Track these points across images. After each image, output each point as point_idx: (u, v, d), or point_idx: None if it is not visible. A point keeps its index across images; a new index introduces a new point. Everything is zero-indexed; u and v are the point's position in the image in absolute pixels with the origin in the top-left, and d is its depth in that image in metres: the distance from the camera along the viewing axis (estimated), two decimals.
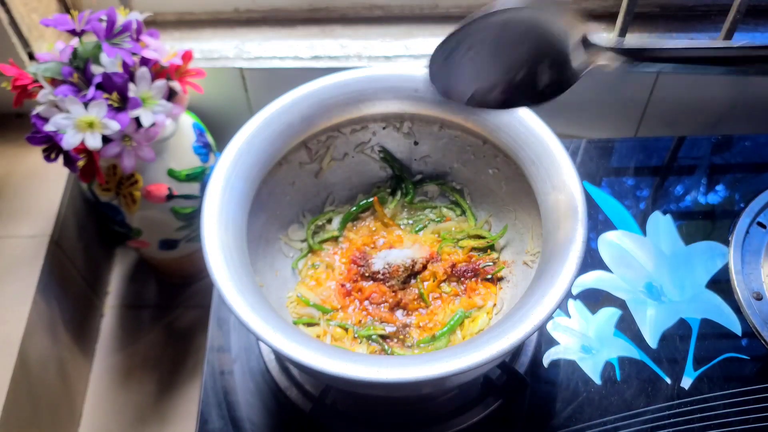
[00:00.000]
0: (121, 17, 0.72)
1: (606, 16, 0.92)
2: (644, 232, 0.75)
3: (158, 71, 0.76)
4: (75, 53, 0.72)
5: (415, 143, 0.67)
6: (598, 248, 0.74)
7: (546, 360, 0.67)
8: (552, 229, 0.54)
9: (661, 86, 0.90)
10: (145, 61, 0.73)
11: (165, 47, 0.76)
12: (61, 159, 0.73)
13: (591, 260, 0.73)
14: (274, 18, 0.94)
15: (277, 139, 0.60)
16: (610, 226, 0.76)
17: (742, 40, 0.87)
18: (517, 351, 0.67)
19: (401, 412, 0.65)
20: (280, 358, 0.67)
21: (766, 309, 0.67)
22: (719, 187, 0.79)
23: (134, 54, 0.72)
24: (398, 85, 0.63)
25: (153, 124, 0.72)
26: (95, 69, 0.71)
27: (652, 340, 0.67)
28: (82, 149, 0.72)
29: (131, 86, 0.71)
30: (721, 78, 0.90)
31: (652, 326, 0.68)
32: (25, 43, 0.89)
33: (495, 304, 0.62)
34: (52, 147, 0.72)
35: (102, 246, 1.04)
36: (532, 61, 0.48)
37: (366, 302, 0.63)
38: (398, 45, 0.90)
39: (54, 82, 0.72)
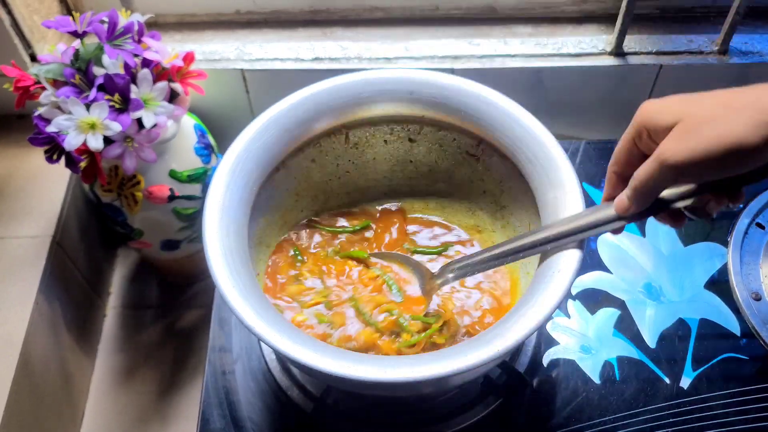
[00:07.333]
0: (123, 19, 0.73)
1: (605, 18, 0.93)
2: (643, 233, 0.75)
3: (160, 73, 0.76)
4: (77, 55, 0.72)
5: (410, 140, 0.67)
6: (598, 249, 0.74)
7: (546, 359, 0.67)
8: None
9: (661, 87, 0.90)
10: (146, 63, 0.74)
11: (166, 49, 0.76)
12: (62, 160, 0.73)
13: (590, 261, 0.73)
14: (275, 20, 0.95)
15: (275, 145, 0.61)
16: None
17: None
18: (517, 350, 0.67)
19: (402, 412, 0.65)
20: (282, 359, 0.67)
21: (764, 309, 0.68)
22: None
23: (136, 55, 0.72)
24: (394, 87, 0.63)
25: (155, 126, 0.72)
26: (97, 70, 0.71)
27: (651, 340, 0.67)
28: (84, 150, 0.72)
29: (133, 88, 0.71)
30: (720, 78, 0.90)
31: (651, 326, 0.68)
32: (27, 45, 0.89)
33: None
34: (54, 148, 0.72)
35: (104, 247, 1.05)
36: None
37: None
38: (399, 47, 0.90)
39: (56, 84, 0.72)
